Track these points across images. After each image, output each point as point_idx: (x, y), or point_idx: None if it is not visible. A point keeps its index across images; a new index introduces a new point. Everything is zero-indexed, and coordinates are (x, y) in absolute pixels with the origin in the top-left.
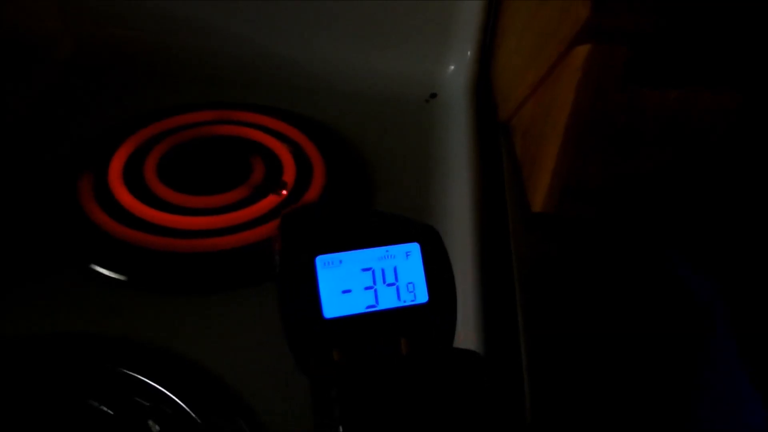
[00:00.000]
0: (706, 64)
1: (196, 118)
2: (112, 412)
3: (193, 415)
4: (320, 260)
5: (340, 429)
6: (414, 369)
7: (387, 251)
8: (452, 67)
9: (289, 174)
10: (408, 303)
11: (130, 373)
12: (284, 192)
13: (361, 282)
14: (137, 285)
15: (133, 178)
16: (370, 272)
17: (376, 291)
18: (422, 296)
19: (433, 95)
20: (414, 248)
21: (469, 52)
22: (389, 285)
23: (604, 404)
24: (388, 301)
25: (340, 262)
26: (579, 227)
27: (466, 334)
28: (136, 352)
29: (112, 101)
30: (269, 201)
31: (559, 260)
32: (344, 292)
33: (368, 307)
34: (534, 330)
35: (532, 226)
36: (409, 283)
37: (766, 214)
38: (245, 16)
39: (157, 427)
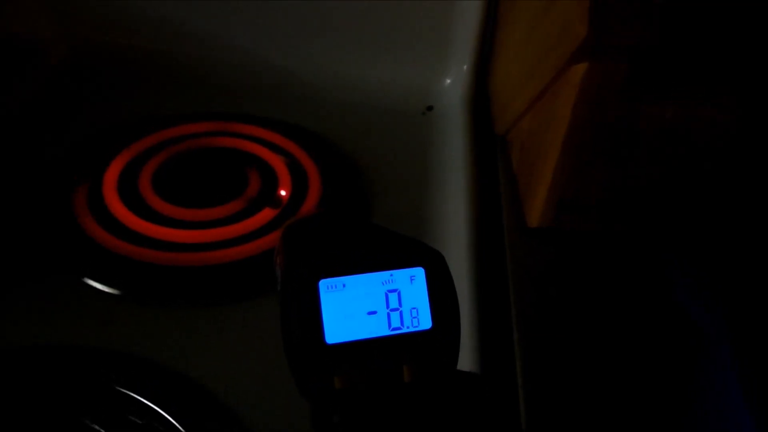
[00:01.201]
0: (704, 77)
1: (192, 129)
2: (103, 431)
3: None
4: (324, 284)
5: None
6: (416, 397)
7: (391, 275)
8: (449, 80)
9: (285, 187)
10: (411, 329)
11: (123, 390)
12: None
13: (365, 307)
14: (131, 299)
15: (128, 189)
16: (373, 296)
17: (379, 316)
18: (426, 322)
19: (430, 108)
20: (419, 273)
21: (465, 66)
22: (393, 310)
23: (601, 421)
24: (391, 326)
25: (344, 285)
26: (575, 241)
27: (461, 348)
28: (129, 367)
29: (106, 107)
30: (265, 215)
31: (556, 274)
32: (347, 316)
33: (371, 332)
34: (529, 345)
35: (528, 240)
36: (413, 308)
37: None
38: (242, 24)
39: None
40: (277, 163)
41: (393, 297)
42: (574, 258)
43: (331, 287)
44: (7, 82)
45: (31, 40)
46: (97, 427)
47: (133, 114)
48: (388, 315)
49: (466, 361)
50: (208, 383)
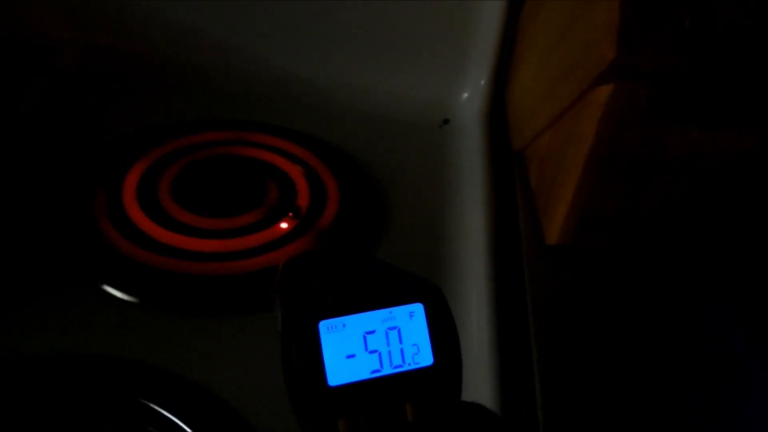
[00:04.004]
0: (728, 102)
1: (209, 137)
2: None
3: None
4: (323, 325)
5: None
6: None
7: (390, 312)
8: (466, 94)
9: (303, 197)
10: (413, 366)
11: (143, 400)
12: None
13: (365, 346)
14: (149, 307)
15: (147, 197)
16: (373, 335)
17: (380, 355)
18: (427, 359)
19: (446, 121)
20: (418, 309)
21: (483, 80)
22: (393, 348)
23: None
24: (392, 365)
25: (344, 326)
26: (595, 259)
27: (481, 365)
28: (148, 377)
29: (121, 113)
30: (283, 225)
31: (575, 292)
32: (348, 357)
33: (373, 372)
34: (548, 364)
35: (547, 257)
36: (414, 345)
37: None
38: (260, 34)
39: None
40: (296, 173)
41: (393, 334)
42: (594, 276)
43: (331, 328)
44: (21, 85)
45: (47, 42)
46: None
47: (149, 120)
48: (389, 353)
49: (486, 378)
50: (225, 393)
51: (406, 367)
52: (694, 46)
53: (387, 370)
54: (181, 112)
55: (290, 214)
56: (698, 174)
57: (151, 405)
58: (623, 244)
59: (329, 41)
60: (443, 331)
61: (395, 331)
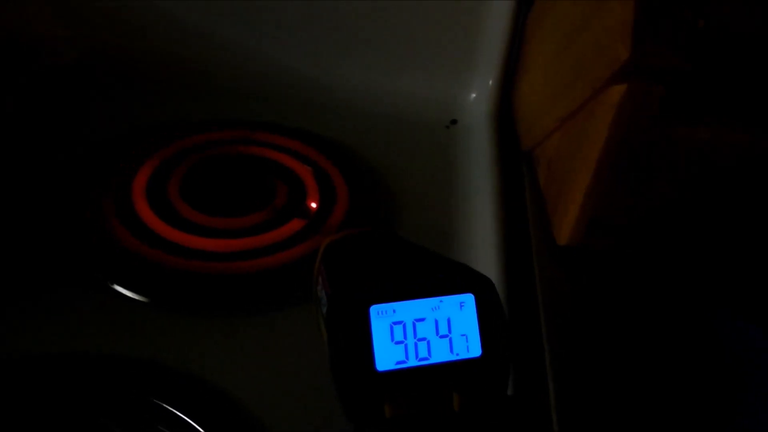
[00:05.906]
0: (740, 102)
1: (218, 136)
2: None
3: None
4: (374, 310)
5: None
6: (466, 425)
7: (441, 301)
8: (474, 95)
9: (313, 197)
10: (461, 357)
11: (153, 399)
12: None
13: (415, 333)
14: (159, 306)
15: (156, 196)
16: (423, 323)
17: (429, 343)
18: (475, 350)
19: (454, 122)
20: (468, 299)
21: (491, 81)
22: (442, 337)
23: None
24: (440, 353)
25: (394, 311)
26: (605, 259)
27: None
28: (158, 376)
29: (129, 112)
30: (293, 225)
31: (586, 292)
32: (397, 343)
33: (421, 359)
34: (561, 363)
35: (557, 258)
36: (463, 335)
37: None
38: (267, 34)
39: None
40: (305, 173)
41: (443, 324)
42: (606, 276)
43: (382, 313)
44: (18, 84)
45: (48, 40)
46: None
47: (157, 120)
48: (438, 342)
49: None
50: (236, 392)
51: (454, 357)
52: (708, 47)
53: (435, 359)
54: (189, 113)
55: (294, 219)
56: (711, 175)
57: (163, 404)
58: (635, 247)
59: (337, 41)
60: (493, 324)
61: (445, 320)
